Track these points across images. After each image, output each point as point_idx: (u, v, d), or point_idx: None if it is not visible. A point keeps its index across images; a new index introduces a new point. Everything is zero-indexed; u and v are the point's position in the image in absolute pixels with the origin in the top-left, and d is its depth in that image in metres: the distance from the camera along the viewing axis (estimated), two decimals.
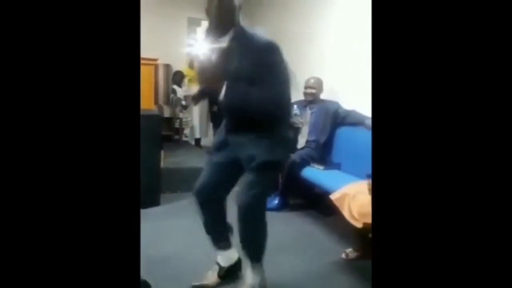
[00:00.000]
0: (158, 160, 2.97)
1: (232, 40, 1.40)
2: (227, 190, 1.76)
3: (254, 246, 1.76)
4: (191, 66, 4.40)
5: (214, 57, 1.40)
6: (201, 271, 1.85)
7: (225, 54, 1.43)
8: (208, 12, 1.47)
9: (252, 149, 1.56)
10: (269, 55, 1.45)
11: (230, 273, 1.84)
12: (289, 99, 1.57)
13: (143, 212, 2.64)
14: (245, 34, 1.47)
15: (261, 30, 1.51)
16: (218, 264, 1.82)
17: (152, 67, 3.25)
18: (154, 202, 2.81)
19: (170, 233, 2.35)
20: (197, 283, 1.80)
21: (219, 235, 1.82)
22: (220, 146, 1.70)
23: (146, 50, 3.64)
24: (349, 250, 2.18)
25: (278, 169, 1.76)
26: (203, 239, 1.82)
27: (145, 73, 3.14)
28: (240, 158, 1.61)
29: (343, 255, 2.17)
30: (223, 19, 1.44)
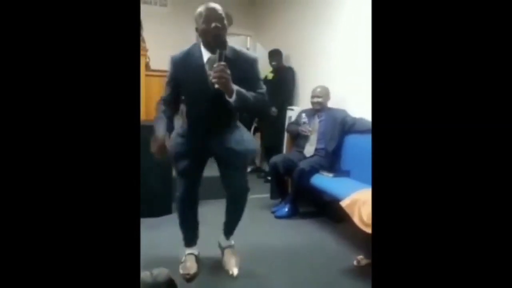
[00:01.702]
0: (170, 169, 3.01)
1: (224, 54, 1.56)
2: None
3: (237, 223, 2.05)
4: None
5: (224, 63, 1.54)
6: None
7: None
8: (204, 33, 1.64)
9: (230, 143, 1.82)
10: (256, 66, 1.76)
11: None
12: None
13: (156, 220, 2.68)
14: (235, 50, 1.72)
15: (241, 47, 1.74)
16: (192, 254, 2.05)
17: (164, 79, 3.34)
18: (166, 211, 2.86)
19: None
20: (185, 272, 1.95)
21: (195, 232, 2.07)
22: (191, 151, 1.85)
23: (157, 62, 3.73)
24: (360, 257, 2.18)
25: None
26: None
27: (158, 84, 3.22)
28: (216, 154, 1.87)
29: (355, 262, 2.17)
30: (218, 39, 1.61)
